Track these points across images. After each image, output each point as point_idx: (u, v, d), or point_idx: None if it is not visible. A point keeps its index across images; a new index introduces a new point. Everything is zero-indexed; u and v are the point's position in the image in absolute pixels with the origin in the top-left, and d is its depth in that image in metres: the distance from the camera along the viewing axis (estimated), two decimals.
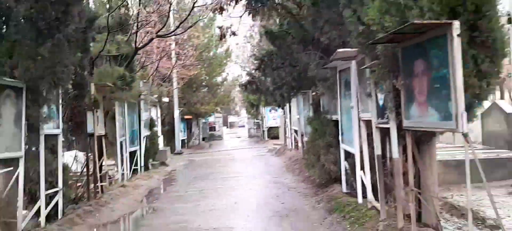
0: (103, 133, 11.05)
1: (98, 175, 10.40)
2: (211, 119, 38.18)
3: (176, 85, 23.77)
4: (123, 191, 11.02)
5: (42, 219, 7.46)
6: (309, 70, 9.03)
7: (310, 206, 8.54)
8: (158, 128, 22.07)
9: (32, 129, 7.47)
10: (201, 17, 17.38)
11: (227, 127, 52.15)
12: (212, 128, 39.24)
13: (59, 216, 8.01)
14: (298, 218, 7.66)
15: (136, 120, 14.21)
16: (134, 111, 14.06)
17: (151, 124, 16.23)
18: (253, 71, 12.22)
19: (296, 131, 17.17)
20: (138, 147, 14.29)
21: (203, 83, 29.82)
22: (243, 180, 12.57)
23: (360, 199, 7.25)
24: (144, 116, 15.42)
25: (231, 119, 54.50)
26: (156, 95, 18.83)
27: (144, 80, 15.51)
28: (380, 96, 5.83)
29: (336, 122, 9.60)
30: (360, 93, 6.90)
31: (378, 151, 6.04)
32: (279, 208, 8.57)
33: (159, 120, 22.53)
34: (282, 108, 20.28)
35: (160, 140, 21.76)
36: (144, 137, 15.01)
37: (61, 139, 8.30)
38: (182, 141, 27.40)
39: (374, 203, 6.66)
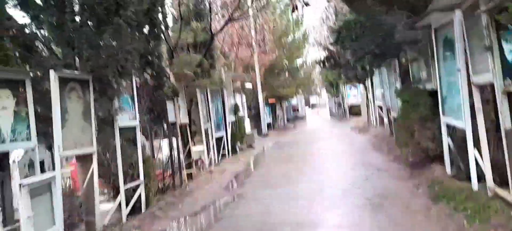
0: (186, 121, 10.14)
1: (183, 163, 9.51)
2: (294, 101, 36.67)
3: (258, 71, 22.55)
4: (209, 178, 10.04)
5: (123, 213, 6.63)
6: (396, 33, 7.05)
7: (408, 191, 6.65)
8: (245, 113, 21.18)
9: (106, 122, 6.65)
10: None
11: (310, 108, 50.21)
12: (296, 110, 37.70)
13: (143, 210, 7.18)
14: (395, 207, 5.85)
15: (220, 106, 13.21)
16: (218, 98, 13.06)
17: (235, 109, 15.17)
18: (330, 46, 10.39)
19: (380, 107, 14.93)
20: (224, 133, 13.30)
21: (284, 68, 28.29)
22: (328, 161, 10.92)
23: (475, 185, 5.23)
24: (229, 102, 14.40)
25: (312, 100, 52.36)
26: (238, 82, 17.75)
27: (225, 68, 14.44)
28: (510, 48, 3.84)
29: (432, 92, 7.51)
30: (470, 51, 4.86)
31: (507, 122, 4.05)
32: (370, 193, 6.83)
33: (245, 105, 21.60)
34: (363, 84, 17.97)
35: (247, 124, 20.82)
36: (229, 123, 14.00)
37: (139, 130, 7.43)
38: (268, 123, 26.27)
39: (498, 191, 4.65)
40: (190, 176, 10.17)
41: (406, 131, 8.08)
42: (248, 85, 20.91)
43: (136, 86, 8.07)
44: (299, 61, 32.54)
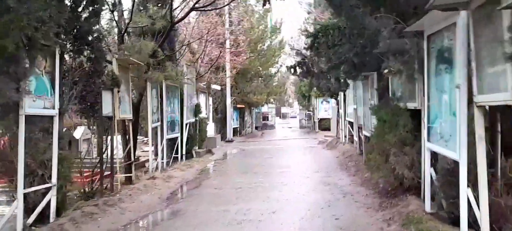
0: (128, 116, 8.62)
1: (118, 165, 7.99)
2: (264, 109, 35.51)
3: (228, 73, 21.18)
4: (149, 185, 8.54)
5: (18, 222, 5.09)
6: (380, 40, 5.88)
7: (376, 227, 5.44)
8: (210, 115, 19.77)
9: (10, 108, 5.12)
10: None
11: (280, 117, 49.23)
12: (265, 118, 36.53)
13: (51, 219, 5.65)
14: None
15: (177, 105, 11.73)
16: (175, 96, 11.59)
17: (196, 110, 13.72)
18: (304, 52, 9.18)
19: (350, 123, 13.88)
20: (178, 134, 11.82)
21: (257, 74, 27.05)
22: (289, 177, 9.64)
23: None
24: (189, 101, 12.94)
25: (284, 109, 51.39)
26: (204, 82, 16.31)
27: (188, 64, 12.96)
28: None
29: (414, 111, 6.39)
30: (476, 62, 3.70)
31: None
32: (330, 225, 5.58)
33: (211, 107, 20.19)
34: (336, 98, 16.96)
35: (210, 127, 19.41)
36: (187, 124, 12.53)
37: (57, 122, 5.89)
38: (235, 129, 24.95)
39: None
40: (129, 180, 8.65)
41: (380, 154, 6.91)
42: (216, 86, 19.51)
43: (64, 69, 6.57)
44: (273, 70, 31.51)
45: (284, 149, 17.30)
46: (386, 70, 5.94)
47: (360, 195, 7.38)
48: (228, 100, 21.93)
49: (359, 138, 11.68)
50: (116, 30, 9.85)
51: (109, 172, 7.71)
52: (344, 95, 14.63)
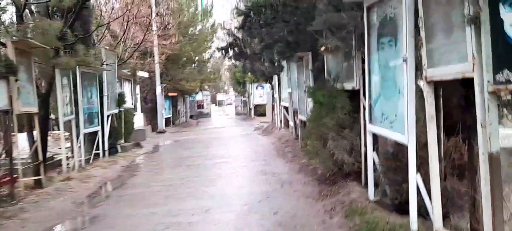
0: (33, 109, 7.29)
1: (17, 167, 6.69)
2: (199, 97, 34.37)
3: (157, 59, 19.79)
4: (62, 188, 7.34)
5: None
6: (316, 15, 5.36)
7: (318, 219, 4.96)
8: (137, 105, 18.37)
9: None
10: None
11: (216, 105, 48.30)
12: (200, 106, 35.43)
13: None
14: None
15: (96, 95, 10.40)
16: (93, 84, 10.24)
17: (119, 100, 12.39)
18: (236, 32, 8.46)
19: (286, 108, 13.55)
20: (99, 127, 10.52)
21: (189, 60, 25.79)
22: (224, 168, 8.97)
23: (414, 223, 3.68)
24: (112, 90, 11.60)
25: (219, 97, 50.44)
26: (129, 69, 14.91)
27: (107, 48, 11.57)
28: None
29: (352, 92, 6.01)
30: (426, 31, 3.25)
31: (494, 142, 2.44)
32: (270, 222, 5.01)
33: (138, 97, 18.77)
34: (270, 82, 16.57)
35: (139, 118, 18.06)
36: (108, 116, 11.23)
37: None
38: (167, 119, 23.63)
39: None
40: (39, 184, 7.35)
41: (317, 138, 6.50)
42: (144, 74, 18.09)
43: None
44: (206, 55, 30.42)
45: (220, 138, 16.58)
46: (322, 48, 5.43)
47: (298, 183, 6.92)
48: (158, 89, 20.58)
49: (295, 122, 11.34)
50: (13, 7, 8.30)
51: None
52: (279, 79, 14.24)
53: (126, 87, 14.63)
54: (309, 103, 7.56)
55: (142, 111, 20.64)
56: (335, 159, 6.04)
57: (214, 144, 14.36)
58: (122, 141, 13.22)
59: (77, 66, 8.93)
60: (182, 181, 7.82)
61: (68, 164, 8.67)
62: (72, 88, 8.71)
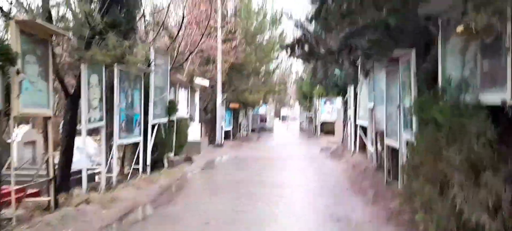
0: (45, 112, 5.80)
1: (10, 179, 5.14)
2: (262, 110, 32.64)
3: (220, 66, 18.33)
4: (73, 215, 5.69)
5: None
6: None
7: None
8: (195, 115, 16.97)
9: None
10: None
11: (280, 120, 46.30)
12: (263, 120, 33.65)
13: None
14: None
15: (138, 100, 8.89)
16: (136, 87, 8.74)
17: (170, 108, 10.85)
18: (306, 23, 6.33)
19: (363, 128, 11.02)
20: (140, 138, 8.97)
21: (254, 70, 24.12)
22: (282, 205, 6.78)
23: None
24: (161, 96, 10.09)
25: (283, 111, 48.40)
26: (185, 75, 13.45)
27: (157, 46, 10.03)
28: None
29: (496, 110, 3.58)
30: None
31: None
32: None
33: (197, 106, 17.37)
34: (343, 97, 14.08)
35: (196, 130, 16.59)
36: (154, 125, 9.68)
37: None
38: (227, 132, 22.07)
39: None
40: (55, 203, 5.82)
41: (430, 181, 4.07)
42: (203, 82, 16.66)
43: None
44: (272, 66, 28.67)
45: (282, 158, 14.45)
46: (459, 28, 3.09)
47: None
48: (219, 99, 19.07)
49: (377, 148, 8.81)
50: None
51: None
52: (355, 92, 11.76)
53: (182, 95, 13.17)
54: (414, 122, 5.13)
55: (200, 122, 19.30)
56: (463, 219, 3.59)
57: (274, 166, 12.26)
58: (172, 155, 11.67)
59: (115, 64, 7.45)
60: (225, 219, 5.80)
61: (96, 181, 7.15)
62: (104, 90, 7.17)
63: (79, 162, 7.62)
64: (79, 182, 7.15)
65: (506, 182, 3.46)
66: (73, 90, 7.15)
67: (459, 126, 3.86)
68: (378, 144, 8.60)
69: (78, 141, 7.34)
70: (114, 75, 7.63)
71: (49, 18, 6.15)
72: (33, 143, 10.32)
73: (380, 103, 7.99)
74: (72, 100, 7.09)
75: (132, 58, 7.36)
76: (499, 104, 3.58)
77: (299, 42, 6.34)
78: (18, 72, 4.97)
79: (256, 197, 7.29)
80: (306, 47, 6.29)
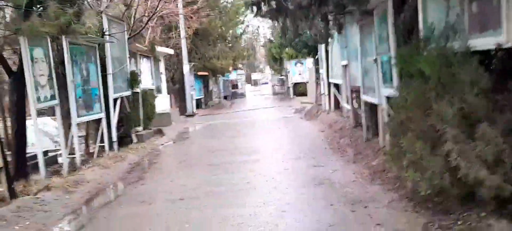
0: None
1: None
2: (232, 76, 31.95)
3: (183, 33, 17.42)
4: (32, 203, 5.12)
5: None
6: None
7: None
8: (162, 86, 16.22)
9: None
10: None
11: (252, 85, 45.79)
12: (234, 86, 33.01)
13: None
14: None
15: (95, 74, 8.13)
16: (90, 60, 7.95)
17: (132, 80, 10.11)
18: None
19: (337, 86, 10.75)
20: (102, 114, 8.28)
21: (220, 36, 23.24)
22: (259, 171, 6.43)
23: None
24: (120, 68, 9.33)
25: (254, 76, 47.78)
26: (146, 43, 12.59)
27: (109, 14, 9.15)
28: None
29: (490, 56, 3.26)
30: None
31: None
32: None
33: (163, 76, 16.55)
34: (314, 56, 13.71)
35: (165, 101, 15.89)
36: (116, 99, 8.98)
37: None
38: (198, 100, 21.43)
39: None
40: (13, 194, 5.20)
41: (421, 137, 3.76)
42: (167, 50, 15.79)
43: None
44: (239, 31, 27.82)
45: (255, 122, 14.11)
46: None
47: (380, 206, 4.26)
48: (186, 67, 18.28)
49: (353, 105, 8.56)
50: None
51: None
52: (326, 50, 11.39)
53: (144, 66, 12.38)
54: (394, 76, 4.79)
55: (169, 93, 18.54)
56: (459, 175, 3.32)
57: (248, 131, 11.90)
58: (140, 128, 11.04)
59: (63, 37, 6.65)
60: (197, 193, 5.40)
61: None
62: (53, 65, 6.40)
63: (40, 144, 6.92)
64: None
65: (504, 133, 3.19)
66: (16, 68, 6.35)
67: (449, 76, 3.53)
68: (354, 101, 8.34)
69: (37, 122, 6.62)
70: (64, 49, 6.84)
71: None
72: None
73: (354, 60, 7.64)
74: (15, 78, 6.30)
75: (80, 27, 6.56)
76: (492, 48, 3.25)
77: None
78: None
79: (232, 167, 6.90)
80: (273, 3, 5.74)
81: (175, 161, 8.41)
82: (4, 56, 6.33)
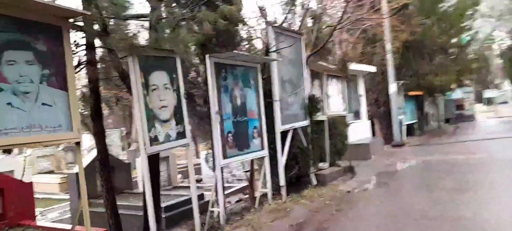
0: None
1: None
2: (456, 95, 25.44)
3: (389, 47, 14.06)
4: None
5: None
6: None
7: None
8: (362, 111, 13.39)
9: None
10: None
11: (484, 104, 36.18)
12: (459, 106, 26.23)
13: None
14: None
15: (252, 100, 6.18)
16: (247, 83, 6.06)
17: (311, 106, 7.77)
18: None
19: None
20: (263, 152, 6.22)
21: (438, 46, 18.34)
22: None
23: None
24: (292, 92, 7.20)
25: (487, 93, 37.71)
26: (336, 63, 10.07)
27: (275, 25, 7.08)
28: None
29: None
30: None
31: None
32: None
33: (363, 99, 13.69)
34: None
35: (364, 128, 13.00)
36: (285, 132, 6.80)
37: None
38: (409, 125, 17.23)
39: None
40: None
41: None
42: (366, 68, 12.82)
43: None
44: (465, 39, 21.71)
45: (494, 162, 9.28)
46: None
47: None
48: (392, 87, 14.69)
49: None
50: None
51: None
52: None
53: (334, 87, 9.88)
54: None
55: (372, 118, 15.43)
56: None
57: (483, 179, 7.51)
58: (326, 165, 8.61)
59: (208, 56, 4.96)
60: None
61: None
62: (183, 92, 4.72)
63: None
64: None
65: None
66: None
67: None
68: None
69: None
70: (207, 70, 5.13)
71: None
72: (166, 158, 9.04)
73: None
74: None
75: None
76: None
77: None
78: None
79: None
80: None
81: (359, 226, 5.40)
82: None
